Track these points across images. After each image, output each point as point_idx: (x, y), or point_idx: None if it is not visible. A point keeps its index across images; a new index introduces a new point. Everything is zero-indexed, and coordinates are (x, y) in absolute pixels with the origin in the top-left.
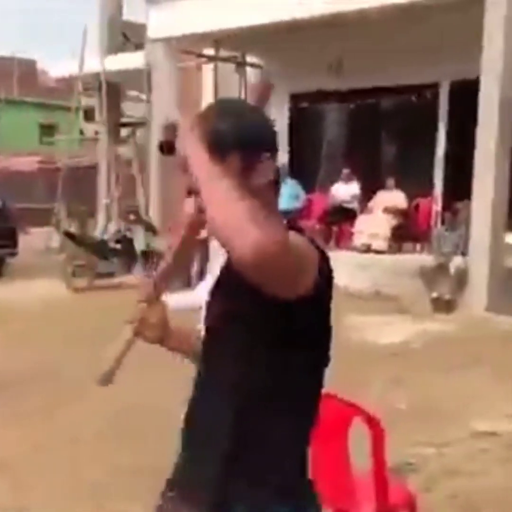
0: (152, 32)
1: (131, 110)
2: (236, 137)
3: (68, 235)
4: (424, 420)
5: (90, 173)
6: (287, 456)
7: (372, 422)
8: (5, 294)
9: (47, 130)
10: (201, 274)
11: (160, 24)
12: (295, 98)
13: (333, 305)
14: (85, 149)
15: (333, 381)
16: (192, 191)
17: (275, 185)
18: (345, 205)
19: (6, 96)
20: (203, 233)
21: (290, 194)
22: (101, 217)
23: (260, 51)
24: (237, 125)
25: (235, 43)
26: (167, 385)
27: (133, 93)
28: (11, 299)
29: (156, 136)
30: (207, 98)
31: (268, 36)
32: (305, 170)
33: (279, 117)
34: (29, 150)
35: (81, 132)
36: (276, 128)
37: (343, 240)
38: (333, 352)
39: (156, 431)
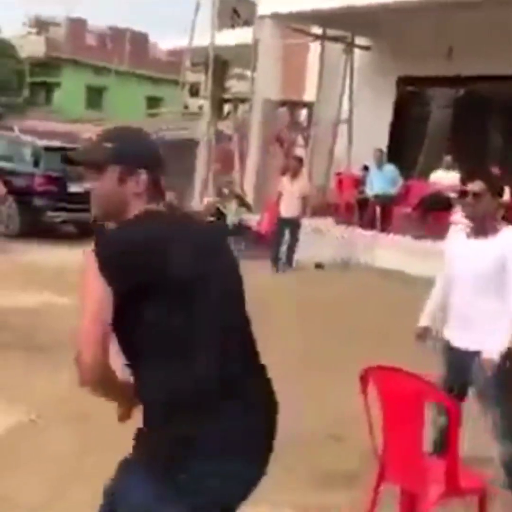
0: (262, 8)
1: (234, 87)
2: (115, 155)
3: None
4: None
5: (191, 147)
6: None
7: (448, 404)
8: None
9: (154, 103)
10: (291, 253)
11: (270, 0)
12: (402, 81)
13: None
14: (187, 124)
15: None
16: (288, 169)
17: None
18: (444, 193)
19: (117, 68)
20: (295, 212)
21: (386, 180)
22: (197, 190)
23: (369, 32)
24: (119, 146)
25: (344, 23)
26: None
27: (238, 70)
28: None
29: (257, 112)
30: (312, 78)
31: (378, 17)
32: (405, 155)
33: (385, 99)
34: (134, 122)
35: (186, 107)
36: (156, 151)
37: (439, 229)
38: None
39: None
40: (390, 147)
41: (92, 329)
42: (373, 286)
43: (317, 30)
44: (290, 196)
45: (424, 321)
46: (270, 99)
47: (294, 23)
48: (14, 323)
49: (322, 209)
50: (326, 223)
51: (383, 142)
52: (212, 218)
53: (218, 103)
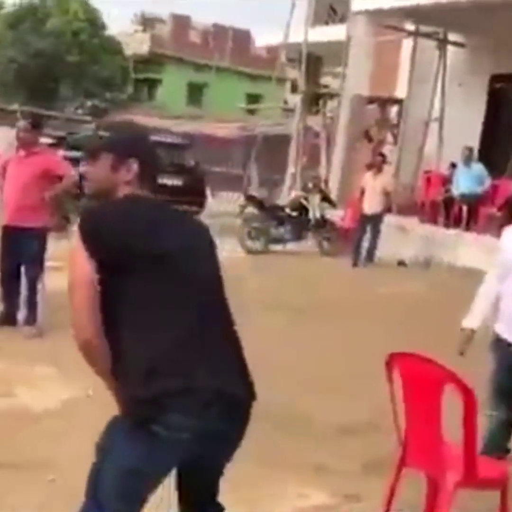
0: (355, 4)
1: (330, 83)
2: (109, 144)
3: (249, 198)
4: None
5: (285, 143)
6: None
7: (465, 390)
8: None
9: (254, 99)
10: (372, 249)
11: None
12: (495, 79)
13: None
14: (284, 120)
15: None
16: (373, 166)
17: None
18: None
19: (218, 64)
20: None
21: (473, 179)
22: (287, 185)
23: (463, 29)
24: (113, 136)
25: (438, 19)
26: None
27: (332, 67)
28: None
29: (346, 109)
30: (403, 75)
31: (472, 13)
32: (496, 154)
33: (477, 98)
34: (233, 118)
35: (285, 103)
36: (147, 142)
37: None
38: None
39: None
40: (481, 146)
41: (80, 293)
42: (454, 285)
43: (410, 26)
44: (372, 192)
45: (472, 322)
46: (359, 95)
47: (387, 20)
48: None
49: (409, 207)
50: (411, 221)
51: (474, 141)
52: (294, 212)
53: (309, 99)
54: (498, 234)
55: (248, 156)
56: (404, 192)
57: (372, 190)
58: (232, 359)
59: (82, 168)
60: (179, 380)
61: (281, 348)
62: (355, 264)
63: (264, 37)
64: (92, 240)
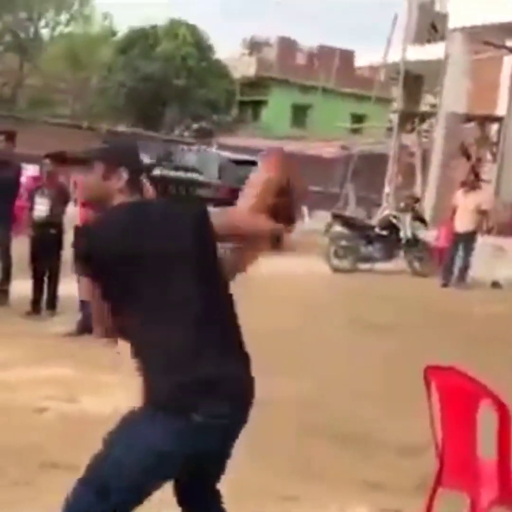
0: (452, 21)
1: (432, 102)
2: (101, 154)
3: (336, 217)
4: None
5: (384, 162)
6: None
7: (499, 405)
8: (273, 266)
9: (359, 119)
10: (464, 269)
11: (460, 13)
12: None
13: None
14: (386, 139)
15: None
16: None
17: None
18: None
19: (324, 85)
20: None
21: None
22: (384, 204)
23: None
24: (105, 147)
25: None
26: None
27: (432, 85)
28: (276, 271)
29: (441, 127)
30: (504, 93)
31: None
32: None
33: None
34: (336, 138)
35: (390, 122)
36: (136, 154)
37: None
38: None
39: None
40: None
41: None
42: None
43: (510, 42)
44: (464, 210)
45: None
46: (455, 113)
47: (485, 36)
48: None
49: (509, 226)
50: (510, 241)
51: None
52: (384, 231)
53: (405, 118)
54: None
55: (346, 175)
56: (504, 211)
57: (464, 208)
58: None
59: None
60: (210, 369)
61: (359, 366)
62: (445, 284)
63: (365, 57)
64: (78, 259)
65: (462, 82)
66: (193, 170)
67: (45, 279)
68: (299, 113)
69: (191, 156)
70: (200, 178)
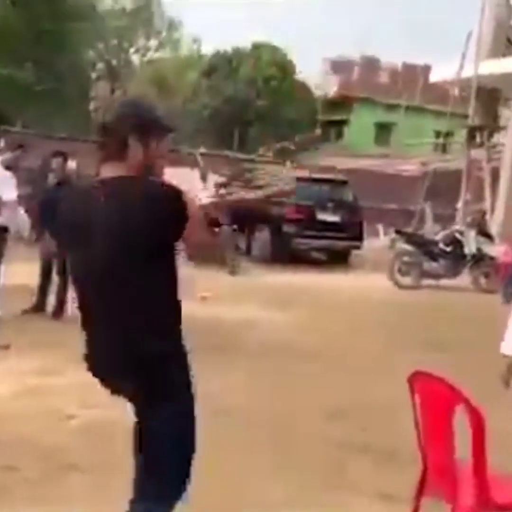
0: None
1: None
2: (133, 123)
3: (400, 233)
4: None
5: (460, 178)
6: None
7: (472, 411)
8: (341, 281)
9: (443, 136)
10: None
11: None
12: None
13: None
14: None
15: None
16: None
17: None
18: None
19: (408, 103)
20: None
21: None
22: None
23: None
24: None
25: None
26: None
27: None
28: (345, 286)
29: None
30: None
31: None
32: None
33: None
34: (419, 155)
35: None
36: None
37: None
38: None
39: None
40: None
41: None
42: None
43: None
44: None
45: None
46: None
47: None
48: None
49: None
50: None
51: None
52: (448, 248)
53: (474, 133)
54: None
55: (430, 191)
56: None
57: None
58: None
59: None
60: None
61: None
62: (507, 301)
63: (438, 72)
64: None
65: None
66: (261, 188)
67: None
68: (383, 131)
69: (262, 175)
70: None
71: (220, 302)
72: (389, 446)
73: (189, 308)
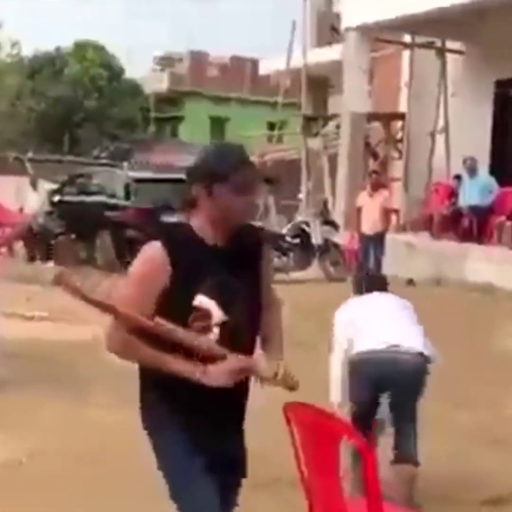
0: (345, 20)
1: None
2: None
3: None
4: None
5: (298, 168)
6: None
7: (360, 443)
8: None
9: (275, 127)
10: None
11: (353, 12)
12: (501, 85)
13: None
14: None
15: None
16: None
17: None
18: None
19: (238, 96)
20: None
21: (480, 189)
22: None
23: (461, 37)
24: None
25: (434, 29)
26: None
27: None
28: None
29: (346, 127)
30: (404, 89)
31: (469, 19)
32: (506, 161)
33: (483, 105)
34: (255, 146)
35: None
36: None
37: None
38: None
39: None
40: (491, 154)
41: None
42: (463, 302)
43: (407, 39)
44: (370, 212)
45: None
46: (357, 113)
47: (380, 33)
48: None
49: (419, 222)
50: (421, 237)
51: (483, 150)
52: (295, 241)
53: (308, 122)
54: (510, 246)
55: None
56: (415, 207)
57: (370, 209)
58: None
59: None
60: None
61: None
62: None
63: (267, 64)
64: None
65: (361, 81)
66: (97, 193)
67: None
68: (217, 126)
69: (97, 179)
70: (107, 200)
71: (57, 322)
72: None
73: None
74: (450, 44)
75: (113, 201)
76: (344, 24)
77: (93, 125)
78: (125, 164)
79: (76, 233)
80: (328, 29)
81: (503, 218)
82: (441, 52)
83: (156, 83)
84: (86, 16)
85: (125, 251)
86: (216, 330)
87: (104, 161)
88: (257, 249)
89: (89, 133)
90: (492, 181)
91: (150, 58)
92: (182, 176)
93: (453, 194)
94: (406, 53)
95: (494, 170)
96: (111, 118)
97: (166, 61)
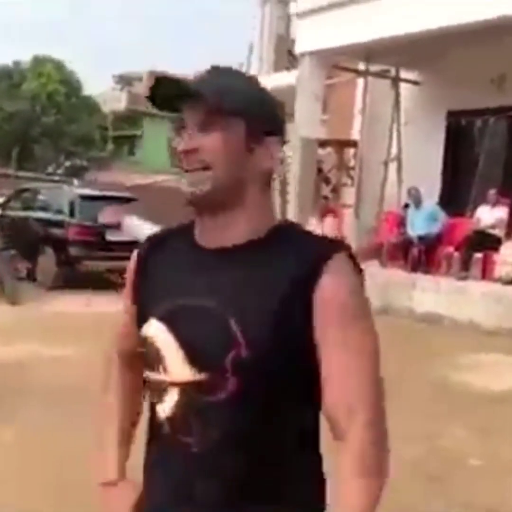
0: (299, 45)
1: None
2: (247, 101)
3: None
4: (497, 482)
5: None
6: None
7: None
8: None
9: None
10: None
11: (308, 37)
12: (452, 115)
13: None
14: None
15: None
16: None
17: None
18: (489, 230)
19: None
20: None
21: (426, 218)
22: None
23: (415, 66)
24: (248, 95)
25: (388, 57)
26: None
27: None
28: None
29: (297, 153)
30: (358, 116)
31: (422, 48)
32: (458, 191)
33: (435, 134)
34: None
35: None
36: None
37: (486, 269)
38: None
39: None
40: (443, 183)
41: None
42: (409, 332)
43: (362, 66)
44: None
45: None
46: (308, 139)
47: (335, 59)
48: None
49: (370, 251)
50: (368, 266)
51: (434, 179)
52: None
53: None
54: (458, 276)
55: None
56: (365, 235)
57: None
58: None
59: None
60: None
61: None
62: None
63: None
64: None
65: (314, 106)
66: (43, 208)
67: None
68: None
69: (43, 194)
70: (52, 216)
71: None
72: None
73: None
74: (404, 73)
75: (58, 217)
76: (298, 49)
77: (50, 141)
78: (75, 180)
79: (18, 248)
80: (286, 54)
81: (451, 248)
82: (395, 81)
83: (115, 102)
84: (47, 31)
85: (67, 269)
86: (172, 397)
87: (58, 178)
88: None
89: (46, 149)
90: (437, 209)
91: (109, 76)
92: (128, 194)
93: (402, 223)
94: (360, 81)
95: (445, 200)
96: (68, 135)
97: (125, 80)
